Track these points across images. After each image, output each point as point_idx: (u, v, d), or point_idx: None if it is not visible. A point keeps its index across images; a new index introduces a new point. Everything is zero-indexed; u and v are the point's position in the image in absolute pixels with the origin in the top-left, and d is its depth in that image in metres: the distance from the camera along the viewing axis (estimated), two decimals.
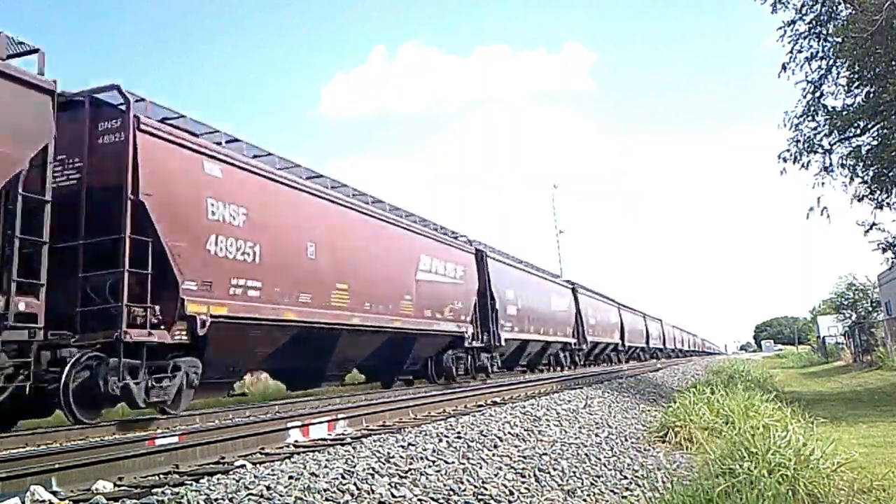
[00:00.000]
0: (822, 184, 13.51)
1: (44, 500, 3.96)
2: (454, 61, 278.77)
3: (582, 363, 30.53)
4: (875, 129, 13.16)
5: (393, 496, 4.04)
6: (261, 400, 13.56)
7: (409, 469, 4.64)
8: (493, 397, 10.89)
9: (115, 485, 4.50)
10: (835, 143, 13.57)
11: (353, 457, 4.81)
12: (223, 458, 5.44)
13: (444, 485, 4.47)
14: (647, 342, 47.88)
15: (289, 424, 6.84)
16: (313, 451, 5.26)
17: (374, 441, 5.54)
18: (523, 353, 23.43)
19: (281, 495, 3.72)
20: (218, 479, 4.04)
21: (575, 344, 28.71)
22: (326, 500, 3.80)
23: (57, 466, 4.56)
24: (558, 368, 27.25)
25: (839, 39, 12.63)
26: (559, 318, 26.94)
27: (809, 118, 13.60)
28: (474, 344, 18.42)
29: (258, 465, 4.68)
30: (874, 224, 13.91)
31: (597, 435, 7.40)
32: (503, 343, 19.89)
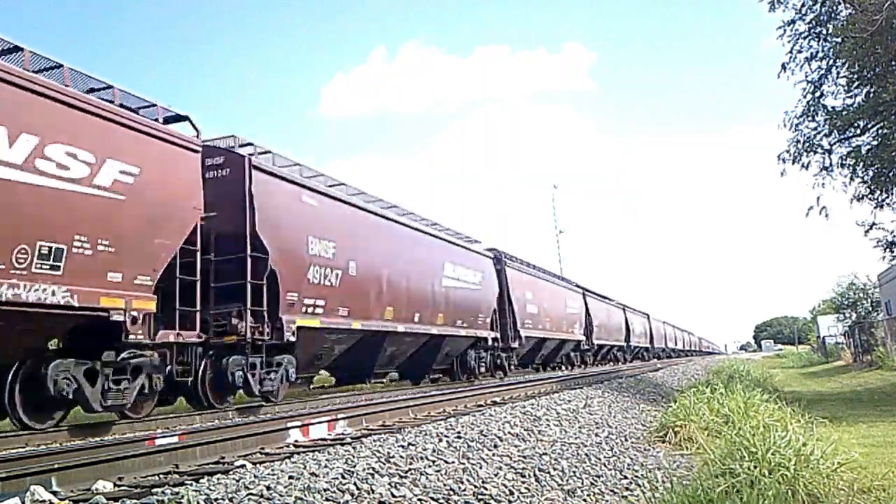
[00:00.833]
0: (822, 184, 13.51)
1: (44, 500, 3.96)
2: (454, 61, 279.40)
3: (513, 367, 21.98)
4: (875, 128, 13.16)
5: (393, 496, 4.04)
6: None
7: (409, 469, 4.65)
8: (493, 397, 10.90)
9: (115, 485, 4.50)
10: (835, 143, 13.57)
11: (353, 457, 4.82)
12: (223, 458, 5.44)
13: (444, 485, 4.47)
14: (629, 340, 40.51)
15: (289, 424, 6.84)
16: (313, 451, 5.27)
17: (374, 441, 5.54)
18: (379, 354, 14.38)
19: (281, 495, 3.72)
20: (218, 479, 4.04)
21: (496, 340, 20.10)
22: (326, 500, 3.80)
23: (57, 466, 4.56)
24: (464, 377, 18.73)
25: (839, 39, 12.63)
26: (465, 299, 18.11)
27: (809, 118, 13.60)
28: (166, 338, 8.96)
29: (258, 465, 4.69)
30: (874, 224, 13.93)
31: (597, 435, 7.40)
32: (292, 336, 10.78)
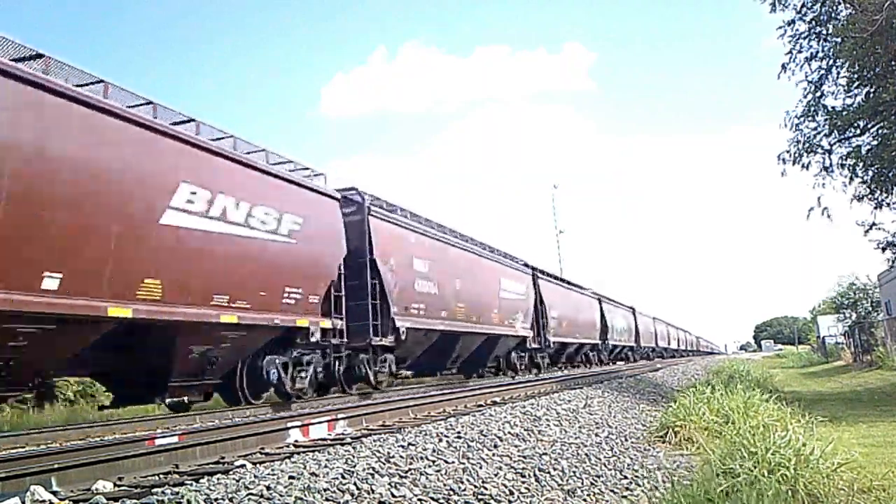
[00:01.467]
0: (823, 184, 13.53)
1: (44, 500, 3.96)
2: (454, 61, 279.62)
3: (383, 381, 14.09)
4: (875, 129, 13.17)
5: (393, 496, 4.04)
6: None
7: (409, 469, 4.65)
8: (493, 397, 10.91)
9: (115, 485, 4.50)
10: (835, 144, 13.58)
11: (353, 457, 4.82)
12: (223, 457, 5.44)
13: (444, 485, 4.47)
14: (606, 337, 34.01)
15: (289, 424, 6.84)
16: (313, 451, 5.27)
17: (374, 441, 5.54)
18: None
19: (281, 495, 3.72)
20: (218, 479, 4.04)
21: (331, 332, 12.24)
22: (326, 499, 3.80)
23: (57, 466, 4.56)
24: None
25: (839, 39, 12.64)
26: (295, 269, 11.35)
27: (809, 118, 13.60)
28: None
29: (258, 465, 4.69)
30: (874, 224, 13.93)
31: (597, 435, 7.41)
32: None
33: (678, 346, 64.42)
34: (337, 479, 4.14)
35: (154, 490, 3.91)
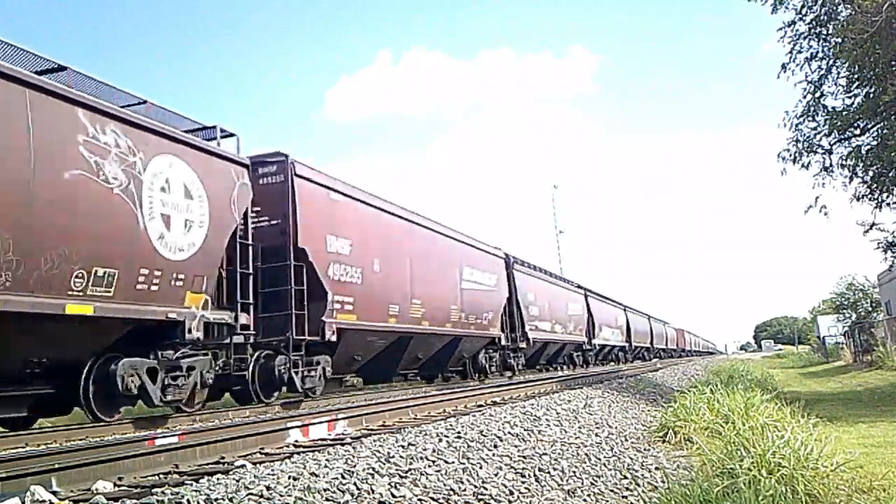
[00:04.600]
0: (822, 184, 13.54)
1: (44, 500, 3.96)
2: (459, 65, 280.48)
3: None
4: (875, 129, 13.17)
5: (393, 496, 4.04)
6: None
7: (409, 469, 4.65)
8: (493, 397, 10.91)
9: (115, 485, 4.50)
10: (835, 143, 13.58)
11: (353, 457, 4.82)
12: (223, 458, 5.44)
13: (444, 485, 4.47)
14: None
15: (289, 424, 6.84)
16: (313, 451, 5.27)
17: (374, 441, 5.54)
18: None
19: (281, 495, 3.73)
20: (218, 479, 4.04)
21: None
22: (326, 500, 3.80)
23: (57, 466, 4.56)
24: None
25: (839, 40, 12.64)
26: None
27: (809, 118, 13.61)
28: None
29: (258, 465, 4.69)
30: (874, 224, 13.93)
31: (597, 435, 7.41)
32: None
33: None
34: (337, 479, 4.14)
35: (154, 490, 3.91)
